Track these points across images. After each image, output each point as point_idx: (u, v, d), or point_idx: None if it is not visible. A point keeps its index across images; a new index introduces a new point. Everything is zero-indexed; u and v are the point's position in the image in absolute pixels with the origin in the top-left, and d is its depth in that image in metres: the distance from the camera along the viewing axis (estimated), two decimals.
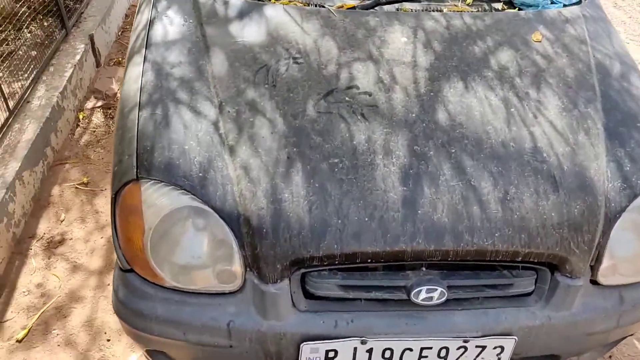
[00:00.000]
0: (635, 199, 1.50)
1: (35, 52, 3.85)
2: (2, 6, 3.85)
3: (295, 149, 1.44)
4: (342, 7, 1.79)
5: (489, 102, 1.58)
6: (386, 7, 1.80)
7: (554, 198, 1.44)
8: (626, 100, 1.67)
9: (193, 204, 1.38)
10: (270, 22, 1.69)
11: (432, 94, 1.58)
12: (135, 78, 1.58)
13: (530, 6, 1.91)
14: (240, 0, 1.76)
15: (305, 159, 1.42)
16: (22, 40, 3.87)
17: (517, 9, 1.91)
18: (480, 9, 1.88)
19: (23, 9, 3.94)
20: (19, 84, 3.22)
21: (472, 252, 1.38)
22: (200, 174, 1.39)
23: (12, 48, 3.81)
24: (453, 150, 1.47)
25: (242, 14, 1.71)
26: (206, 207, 1.37)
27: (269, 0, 1.79)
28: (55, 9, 3.81)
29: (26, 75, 3.41)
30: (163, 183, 1.39)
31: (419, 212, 1.38)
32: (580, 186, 1.47)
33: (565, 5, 1.97)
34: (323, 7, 1.77)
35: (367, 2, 1.80)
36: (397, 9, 1.82)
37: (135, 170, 1.40)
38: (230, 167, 1.41)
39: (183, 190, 1.38)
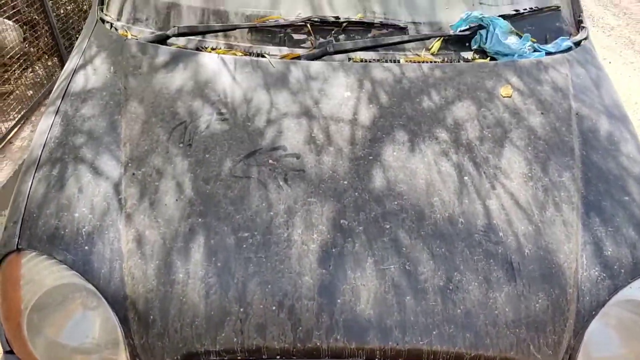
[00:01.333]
0: (619, 290, 1.21)
1: (32, 92, 3.88)
2: (11, 46, 3.93)
3: (200, 220, 1.24)
4: (286, 56, 1.61)
5: (439, 168, 1.34)
6: (337, 57, 1.61)
7: (509, 289, 1.17)
8: (612, 168, 1.39)
9: (75, 282, 1.19)
10: (201, 72, 1.53)
11: (370, 157, 1.35)
12: (42, 133, 1.43)
13: (506, 55, 1.68)
14: (174, 49, 1.61)
15: (210, 231, 1.22)
16: (22, 80, 3.92)
17: (488, 59, 1.68)
18: (446, 59, 1.66)
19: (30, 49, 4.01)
20: (7, 124, 3.21)
21: (403, 352, 1.13)
22: (87, 247, 1.21)
23: (12, 88, 3.85)
24: (387, 226, 1.23)
25: (173, 64, 1.56)
26: (90, 286, 1.19)
27: (205, 48, 1.63)
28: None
29: (17, 115, 3.42)
30: (45, 256, 1.21)
31: (339, 301, 1.15)
32: (545, 274, 1.20)
33: (550, 53, 1.73)
34: (264, 56, 1.59)
35: (315, 50, 1.62)
36: (349, 59, 1.63)
37: (16, 239, 1.23)
38: (123, 239, 1.22)
39: (66, 266, 1.20)
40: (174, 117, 1.43)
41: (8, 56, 3.91)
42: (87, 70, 1.57)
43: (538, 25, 1.81)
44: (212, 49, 1.64)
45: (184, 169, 1.32)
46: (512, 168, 1.35)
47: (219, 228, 1.22)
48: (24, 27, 4.24)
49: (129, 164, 1.33)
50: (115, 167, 1.34)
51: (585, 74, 1.65)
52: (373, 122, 1.43)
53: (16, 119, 3.25)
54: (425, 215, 1.25)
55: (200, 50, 1.63)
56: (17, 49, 4.05)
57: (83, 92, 1.51)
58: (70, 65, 1.62)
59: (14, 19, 4.01)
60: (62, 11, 4.38)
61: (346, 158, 1.35)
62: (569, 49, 1.76)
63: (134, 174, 1.32)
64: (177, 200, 1.26)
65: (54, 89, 1.58)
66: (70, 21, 4.38)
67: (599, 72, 1.69)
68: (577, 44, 1.79)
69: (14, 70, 3.96)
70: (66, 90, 1.53)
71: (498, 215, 1.26)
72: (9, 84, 3.97)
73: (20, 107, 3.50)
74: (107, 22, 1.75)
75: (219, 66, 1.55)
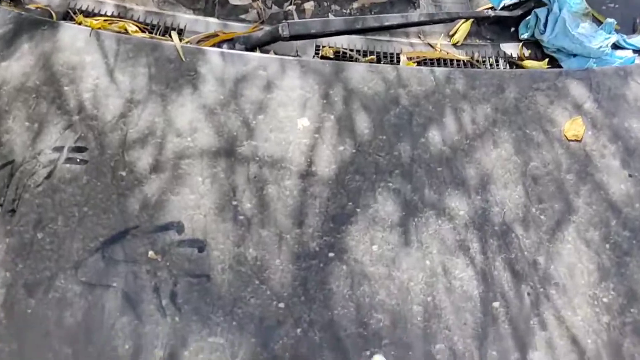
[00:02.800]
0: None
1: None
2: None
3: None
4: (213, 37, 0.96)
5: (449, 282, 0.75)
6: (298, 48, 0.96)
7: None
8: None
9: None
10: (49, 63, 0.88)
11: (330, 255, 0.76)
12: None
13: (575, 55, 1.03)
14: (13, 13, 0.94)
15: None
16: None
17: (546, 60, 1.03)
18: (476, 56, 1.01)
19: None
20: None
21: None
22: None
23: None
24: None
25: (4, 42, 0.91)
26: None
27: (72, 15, 0.97)
28: None
29: None
30: None
31: None
32: None
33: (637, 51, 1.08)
34: (172, 36, 0.94)
35: (260, 31, 0.96)
36: (317, 51, 0.98)
37: None
38: None
39: None
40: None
41: None
42: None
43: (624, 2, 1.14)
44: (90, 15, 0.98)
45: None
46: (577, 286, 0.77)
47: None
48: None
49: None
50: None
51: None
52: (342, 182, 0.82)
53: None
54: None
55: (71, 18, 0.98)
56: None
57: None
58: None
59: None
60: None
61: (287, 254, 0.75)
62: None
63: None
64: None
65: None
66: None
67: None
68: None
69: None
70: None
71: None
72: None
73: None
74: None
75: (88, 54, 0.90)
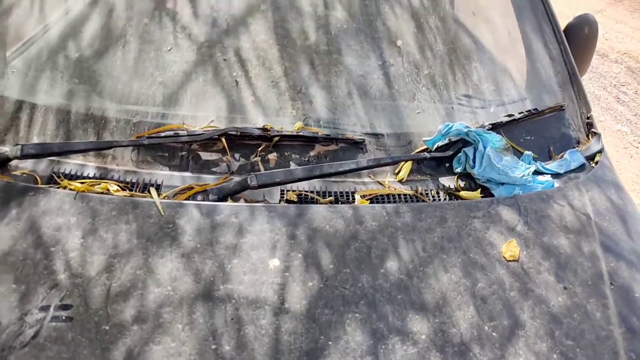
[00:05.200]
0: None
1: None
2: None
3: None
4: (188, 190, 1.08)
5: None
6: (265, 194, 1.09)
7: None
8: None
9: None
10: (35, 226, 0.96)
11: None
12: None
13: (502, 184, 1.21)
14: (4, 182, 1.04)
15: None
16: None
17: (479, 190, 1.19)
18: (420, 189, 1.17)
19: None
20: None
21: None
22: None
23: None
24: None
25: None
26: None
27: (62, 177, 1.07)
28: None
29: None
30: None
31: None
32: None
33: (558, 175, 1.27)
34: (151, 192, 1.05)
35: (230, 181, 1.09)
36: (282, 196, 1.11)
37: None
38: None
39: None
40: None
41: None
42: None
43: (539, 133, 1.35)
44: (73, 177, 1.09)
45: None
46: None
47: None
48: None
49: None
50: None
51: (611, 210, 1.19)
52: (313, 316, 0.89)
53: None
54: None
55: (55, 182, 1.07)
56: None
57: None
58: None
59: None
60: None
61: None
62: (581, 167, 1.30)
63: None
64: None
65: None
66: None
67: (625, 203, 1.23)
68: (591, 158, 1.34)
69: None
70: None
71: None
72: None
73: None
74: None
75: (72, 215, 0.99)
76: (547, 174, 1.28)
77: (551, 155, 1.34)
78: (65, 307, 0.87)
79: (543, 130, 1.37)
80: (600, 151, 1.36)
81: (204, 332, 0.86)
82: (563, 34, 1.57)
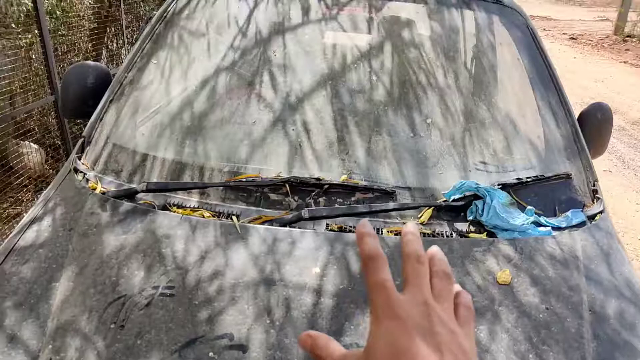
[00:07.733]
0: None
1: None
2: (35, 168, 4.05)
3: None
4: (258, 219, 1.46)
5: None
6: (314, 224, 1.45)
7: None
8: None
9: None
10: (157, 236, 1.38)
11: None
12: None
13: (506, 230, 1.48)
14: (133, 207, 1.49)
15: None
16: (34, 201, 3.95)
17: (485, 233, 1.48)
18: (437, 231, 1.47)
19: None
20: None
21: None
22: None
23: (21, 209, 3.87)
24: None
25: (129, 224, 1.42)
26: None
27: (172, 206, 1.50)
28: None
29: None
30: None
31: None
32: None
33: (558, 228, 1.52)
34: (232, 218, 1.45)
35: (290, 214, 1.46)
36: (327, 226, 1.46)
37: None
38: None
39: None
40: (114, 289, 1.25)
41: (26, 176, 4.00)
42: (42, 225, 1.45)
43: (545, 194, 1.63)
44: (180, 207, 1.52)
45: (107, 359, 1.11)
46: None
47: None
48: (47, 149, 4.40)
49: (50, 345, 1.14)
50: (34, 348, 1.14)
51: (601, 257, 1.42)
52: (339, 307, 1.21)
53: None
54: None
55: (167, 209, 1.51)
56: (37, 170, 4.16)
57: (29, 251, 1.38)
58: (27, 217, 1.51)
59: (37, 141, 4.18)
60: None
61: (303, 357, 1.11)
62: (582, 224, 1.55)
63: (51, 358, 1.11)
64: None
65: (3, 243, 1.46)
66: None
67: (618, 256, 1.45)
68: (592, 217, 1.58)
69: (28, 191, 4.02)
70: (13, 246, 1.40)
71: None
72: (21, 205, 4.01)
73: None
74: (80, 171, 1.68)
75: (178, 229, 1.40)
76: (548, 226, 1.53)
77: (556, 213, 1.60)
78: (169, 287, 1.25)
79: (549, 193, 1.64)
80: (601, 211, 1.60)
81: (261, 309, 1.20)
82: (574, 115, 1.87)
